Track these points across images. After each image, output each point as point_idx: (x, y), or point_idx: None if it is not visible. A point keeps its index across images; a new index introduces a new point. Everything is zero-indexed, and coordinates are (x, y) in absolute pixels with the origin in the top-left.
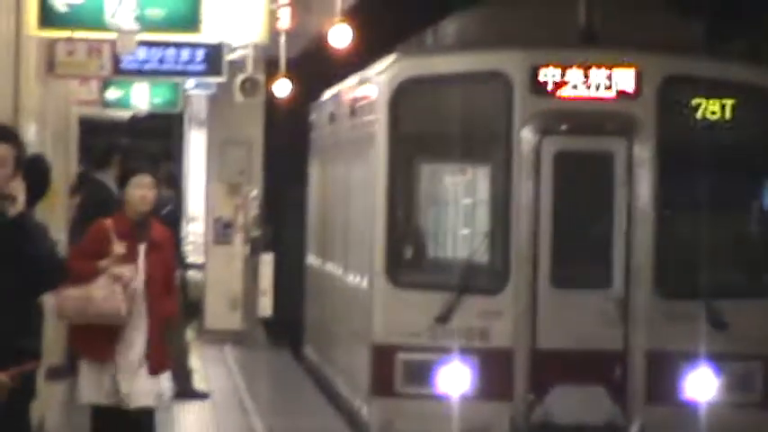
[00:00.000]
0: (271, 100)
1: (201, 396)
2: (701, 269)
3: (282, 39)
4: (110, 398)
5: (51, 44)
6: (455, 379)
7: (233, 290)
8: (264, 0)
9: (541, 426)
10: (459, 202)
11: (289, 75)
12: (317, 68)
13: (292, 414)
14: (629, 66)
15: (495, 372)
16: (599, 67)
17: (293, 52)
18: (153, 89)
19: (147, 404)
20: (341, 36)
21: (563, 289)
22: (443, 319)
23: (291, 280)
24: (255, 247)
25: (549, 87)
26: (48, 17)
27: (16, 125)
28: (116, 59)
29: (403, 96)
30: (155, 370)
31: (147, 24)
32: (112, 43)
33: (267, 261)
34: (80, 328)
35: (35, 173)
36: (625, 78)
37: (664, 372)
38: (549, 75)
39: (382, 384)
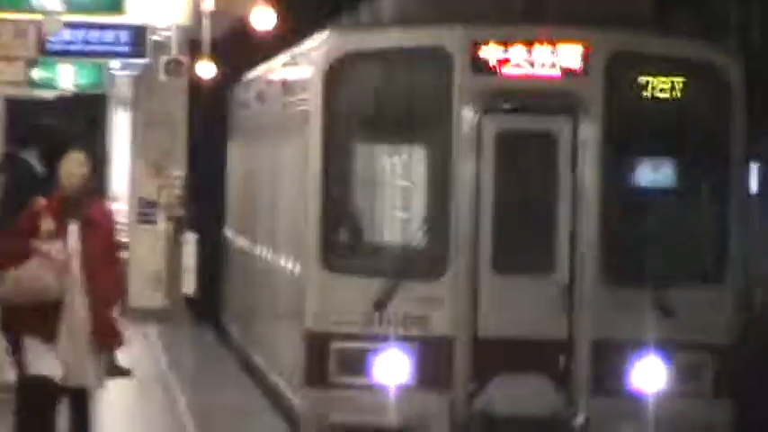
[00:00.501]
0: (195, 81)
1: (125, 374)
2: (649, 255)
3: (206, 20)
4: (51, 372)
5: None
6: (392, 368)
7: (156, 268)
8: None
9: (482, 416)
10: (397, 184)
11: (213, 56)
12: (241, 50)
13: (215, 390)
14: (574, 42)
15: (434, 360)
16: (542, 43)
17: (217, 33)
18: (78, 70)
19: (83, 383)
20: (264, 18)
21: (505, 275)
22: (380, 305)
23: (215, 259)
24: (179, 227)
25: (491, 64)
26: None
27: None
28: (42, 41)
29: (338, 73)
30: (100, 347)
31: (72, 6)
32: (38, 24)
33: (191, 240)
34: (20, 309)
35: None
36: (570, 55)
37: (610, 361)
38: (490, 52)
39: (316, 374)
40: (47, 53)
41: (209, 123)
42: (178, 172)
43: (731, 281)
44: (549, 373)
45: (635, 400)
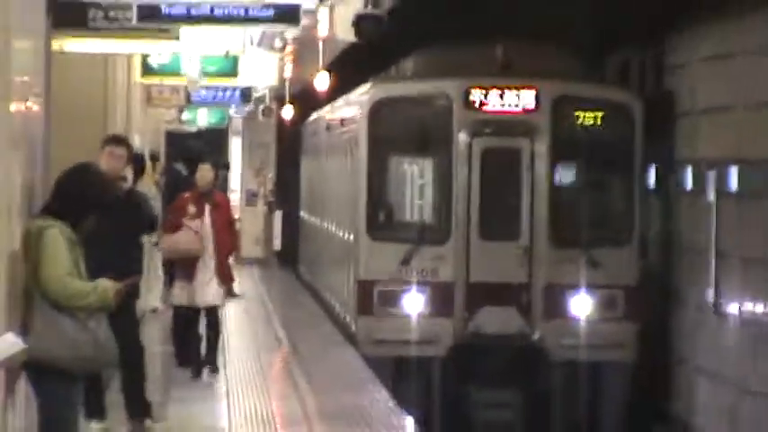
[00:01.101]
0: (280, 120)
1: (238, 296)
2: (582, 227)
3: (287, 82)
4: (190, 301)
5: (149, 86)
6: (415, 303)
7: (257, 233)
8: (276, 58)
9: (473, 335)
10: (416, 183)
11: (291, 104)
12: (308, 100)
13: (293, 308)
14: (531, 88)
15: (441, 297)
16: (510, 89)
17: (294, 90)
18: (210, 113)
19: (215, 303)
20: (322, 81)
21: (487, 240)
22: (406, 262)
23: (292, 228)
24: (270, 208)
25: (477, 104)
26: (146, 70)
27: (128, 136)
28: (188, 95)
29: (377, 110)
30: (222, 281)
31: (206, 73)
32: (186, 85)
33: (278, 216)
34: (174, 261)
35: (137, 164)
36: (528, 97)
37: (556, 297)
38: (476, 95)
39: (365, 307)
40: (191, 103)
41: (289, 146)
42: (270, 174)
43: (635, 243)
44: (517, 306)
45: (573, 322)
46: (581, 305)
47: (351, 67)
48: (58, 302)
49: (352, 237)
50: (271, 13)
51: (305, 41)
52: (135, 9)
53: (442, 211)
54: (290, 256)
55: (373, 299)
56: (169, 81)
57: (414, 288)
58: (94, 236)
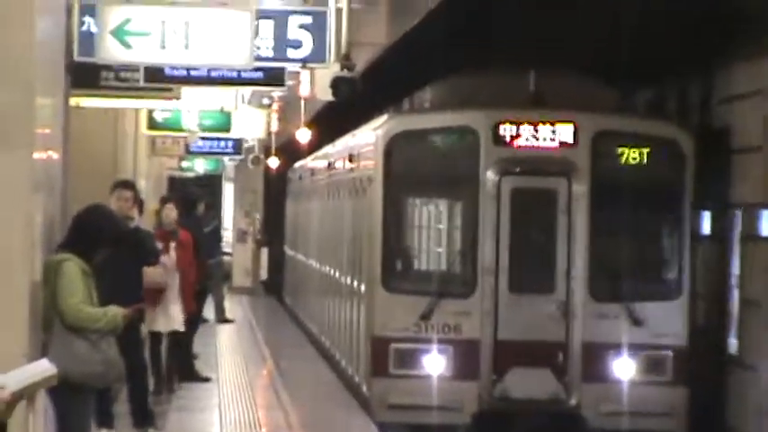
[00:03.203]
0: (267, 168)
1: (230, 321)
2: (624, 279)
3: (273, 136)
4: (158, 327)
5: (153, 138)
6: (435, 363)
7: (247, 266)
8: (264, 114)
9: (501, 399)
10: (438, 227)
11: (276, 154)
12: (291, 151)
13: (278, 331)
14: (568, 122)
15: (465, 357)
16: (545, 123)
17: (279, 142)
18: (206, 162)
19: (176, 329)
20: (303, 135)
21: (518, 294)
22: (426, 317)
23: (277, 261)
24: (258, 244)
25: (507, 139)
26: (151, 124)
27: (135, 180)
28: (187, 145)
29: (395, 145)
30: (184, 309)
31: (203, 128)
32: (185, 138)
33: (264, 251)
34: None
35: (140, 206)
36: (565, 132)
37: (595, 358)
38: (506, 129)
39: (379, 367)
40: (190, 152)
41: (275, 190)
42: (258, 215)
43: (684, 297)
44: (551, 367)
45: (614, 386)
46: (624, 367)
47: (328, 122)
48: (73, 326)
49: (363, 287)
50: (260, 75)
51: (289, 100)
52: (142, 71)
53: (466, 260)
54: (275, 286)
55: (389, 358)
56: (171, 133)
57: (434, 347)
58: (105, 267)
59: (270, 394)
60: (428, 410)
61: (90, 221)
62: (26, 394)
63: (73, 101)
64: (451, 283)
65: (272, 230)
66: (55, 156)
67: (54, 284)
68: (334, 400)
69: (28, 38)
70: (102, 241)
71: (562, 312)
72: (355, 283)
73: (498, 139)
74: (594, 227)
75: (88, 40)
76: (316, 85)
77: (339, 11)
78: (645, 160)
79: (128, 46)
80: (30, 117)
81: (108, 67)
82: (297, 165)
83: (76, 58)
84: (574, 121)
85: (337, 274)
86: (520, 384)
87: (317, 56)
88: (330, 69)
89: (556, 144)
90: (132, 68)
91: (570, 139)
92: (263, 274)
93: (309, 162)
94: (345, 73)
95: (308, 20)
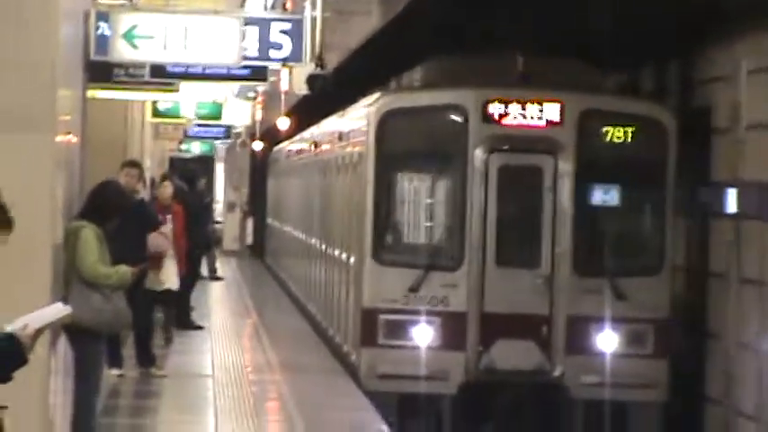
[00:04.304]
0: (252, 150)
1: (221, 279)
2: (607, 254)
3: (258, 122)
4: (154, 286)
5: (157, 124)
6: (423, 334)
7: (235, 233)
8: (249, 105)
9: (487, 370)
10: (427, 202)
11: (260, 139)
12: (273, 136)
13: (261, 287)
14: (555, 101)
15: (452, 329)
16: (533, 102)
17: (262, 128)
18: (201, 144)
19: (170, 287)
20: (283, 123)
21: (504, 268)
22: (414, 289)
23: (261, 228)
24: (245, 214)
25: (496, 117)
26: (155, 113)
27: (141, 160)
28: (185, 131)
29: (386, 122)
30: (179, 269)
31: (198, 116)
32: (184, 124)
33: (250, 221)
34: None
35: (145, 181)
36: (552, 111)
37: (579, 331)
38: (495, 108)
39: (369, 338)
40: (188, 137)
41: (259, 169)
42: (245, 189)
43: (666, 272)
44: (535, 339)
45: (597, 358)
46: (606, 340)
47: (304, 112)
48: (89, 282)
49: (352, 259)
50: (247, 72)
51: (271, 93)
52: (147, 68)
53: (454, 234)
54: (258, 250)
55: (378, 329)
56: (172, 120)
57: (422, 318)
58: (116, 233)
59: (253, 339)
60: (416, 380)
61: (103, 194)
62: (45, 330)
63: (89, 93)
64: (440, 256)
65: (256, 203)
66: (74, 139)
67: (73, 247)
68: (306, 343)
69: (53, 40)
70: (113, 211)
71: (547, 286)
72: (344, 255)
73: (487, 117)
74: (579, 203)
75: (102, 42)
76: (294, 80)
77: (314, 19)
78: (629, 139)
79: (135, 47)
80: (53, 106)
81: (119, 65)
82: (277, 148)
83: (93, 57)
84: (560, 100)
85: (321, 244)
86: (505, 356)
87: (295, 56)
88: (306, 68)
89: (543, 123)
90: (139, 66)
91: (557, 118)
92: (249, 240)
93: (288, 146)
94: (319, 71)
95: (288, 26)
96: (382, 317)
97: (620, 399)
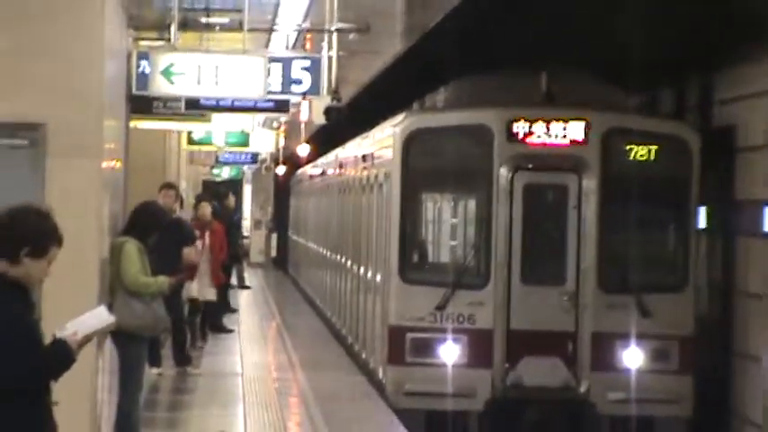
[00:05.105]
0: (276, 174)
1: (248, 288)
2: (632, 271)
3: (280, 150)
4: (194, 294)
5: (191, 152)
6: (450, 352)
7: (260, 246)
8: (273, 134)
9: (514, 387)
10: (453, 221)
11: (283, 164)
12: (294, 162)
13: (285, 293)
14: (580, 120)
15: (479, 346)
16: (557, 121)
17: (285, 155)
18: (231, 169)
19: (210, 299)
20: (303, 149)
21: (530, 285)
22: (441, 307)
23: (284, 243)
24: (270, 231)
25: (520, 136)
26: (190, 141)
27: (177, 182)
28: (216, 157)
29: (412, 142)
30: (214, 284)
31: (228, 143)
32: (215, 151)
33: (274, 236)
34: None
35: (181, 201)
36: (577, 129)
37: (604, 347)
38: (520, 127)
39: (396, 356)
40: (219, 162)
41: (282, 190)
42: (269, 208)
43: (690, 289)
44: (561, 356)
45: (622, 374)
46: (631, 356)
47: (322, 140)
48: (132, 291)
49: (378, 277)
50: (271, 104)
51: (292, 123)
52: (183, 101)
53: (480, 253)
54: (281, 262)
55: (405, 347)
56: (204, 148)
57: (449, 336)
58: (155, 248)
59: (278, 341)
60: (443, 397)
61: (144, 213)
62: (93, 337)
63: (132, 123)
64: (466, 274)
65: (280, 220)
66: (118, 164)
67: (118, 260)
68: (325, 344)
69: (99, 76)
70: (152, 228)
71: (572, 303)
72: (369, 273)
73: (512, 137)
74: (604, 221)
75: (143, 78)
76: (313, 112)
77: (330, 57)
78: (653, 157)
79: (172, 83)
80: (99, 135)
81: (158, 98)
82: (298, 172)
83: (134, 91)
84: (585, 118)
85: (342, 258)
86: (531, 373)
87: (314, 90)
88: (323, 100)
89: (567, 141)
90: (176, 99)
91: (581, 137)
92: (273, 253)
93: (310, 169)
94: (335, 103)
95: (308, 63)
96: (409, 335)
97: (646, 414)
